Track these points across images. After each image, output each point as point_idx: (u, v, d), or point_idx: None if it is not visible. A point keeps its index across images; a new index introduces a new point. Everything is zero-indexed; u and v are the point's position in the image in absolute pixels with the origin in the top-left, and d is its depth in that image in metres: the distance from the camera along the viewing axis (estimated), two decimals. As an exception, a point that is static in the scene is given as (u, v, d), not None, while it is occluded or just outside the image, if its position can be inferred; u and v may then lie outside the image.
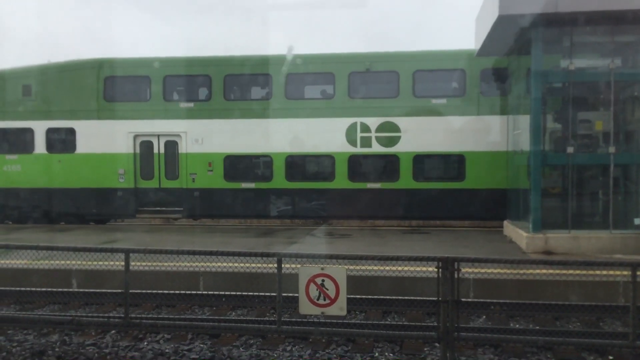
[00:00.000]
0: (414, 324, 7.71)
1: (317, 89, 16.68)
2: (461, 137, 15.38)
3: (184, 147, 16.50)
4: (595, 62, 12.36)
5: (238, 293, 8.97)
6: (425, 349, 6.99)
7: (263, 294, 8.84)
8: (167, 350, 6.98)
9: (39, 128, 16.92)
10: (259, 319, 8.15)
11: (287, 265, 6.72)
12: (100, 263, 8.44)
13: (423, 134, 15.55)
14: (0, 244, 7.89)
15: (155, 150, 16.68)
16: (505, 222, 14.01)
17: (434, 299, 6.38)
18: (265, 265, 9.29)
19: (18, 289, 9.41)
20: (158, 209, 16.93)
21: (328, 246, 12.67)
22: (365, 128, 15.72)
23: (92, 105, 16.72)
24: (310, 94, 16.78)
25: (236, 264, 8.51)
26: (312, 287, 6.12)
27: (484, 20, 12.08)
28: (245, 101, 16.82)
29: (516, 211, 13.33)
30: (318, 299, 6.13)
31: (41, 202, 17.02)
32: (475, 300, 8.63)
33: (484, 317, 8.35)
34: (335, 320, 7.41)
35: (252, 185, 16.36)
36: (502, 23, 10.93)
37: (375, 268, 8.42)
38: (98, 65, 16.78)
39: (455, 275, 6.08)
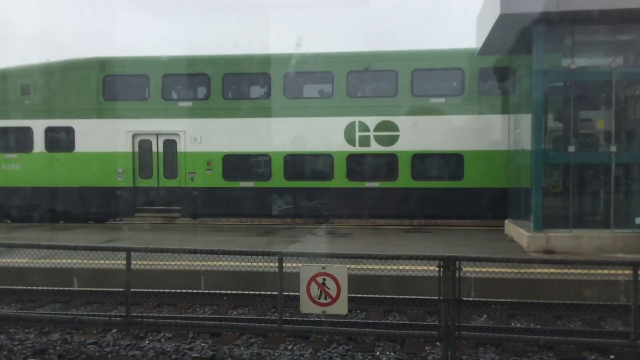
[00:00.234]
0: (415, 323, 7.69)
1: (315, 88, 16.68)
2: (460, 136, 15.37)
3: (182, 146, 16.48)
4: (597, 60, 12.37)
5: (239, 292, 8.96)
6: (427, 348, 6.97)
7: (264, 293, 8.84)
8: (168, 349, 6.96)
9: (38, 127, 16.90)
10: (260, 317, 8.14)
11: (288, 264, 6.70)
12: (102, 262, 8.42)
13: (421, 133, 15.54)
14: (2, 243, 7.85)
15: (154, 149, 16.65)
16: (507, 221, 14.00)
17: (435, 298, 6.37)
18: (266, 264, 9.28)
19: (19, 287, 9.40)
20: (157, 208, 16.91)
21: (329, 245, 12.66)
22: (364, 127, 15.70)
23: (90, 104, 16.70)
24: (309, 93, 16.78)
25: (237, 263, 8.49)
26: (313, 286, 6.11)
27: (485, 19, 12.07)
28: (243, 100, 16.80)
29: (517, 210, 13.32)
30: (319, 298, 6.11)
31: (40, 200, 17.00)
32: (477, 299, 8.62)
33: (485, 316, 8.35)
34: (336, 319, 7.39)
35: (250, 184, 16.35)
36: (504, 22, 10.92)
37: (376, 267, 8.45)
38: (97, 64, 16.75)
39: (457, 274, 6.07)
